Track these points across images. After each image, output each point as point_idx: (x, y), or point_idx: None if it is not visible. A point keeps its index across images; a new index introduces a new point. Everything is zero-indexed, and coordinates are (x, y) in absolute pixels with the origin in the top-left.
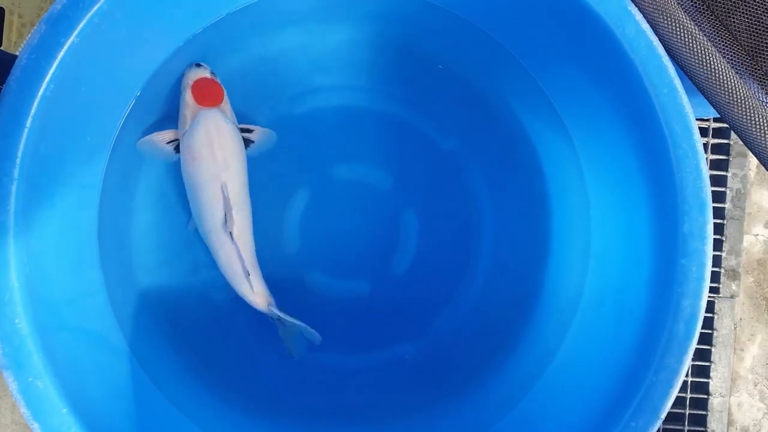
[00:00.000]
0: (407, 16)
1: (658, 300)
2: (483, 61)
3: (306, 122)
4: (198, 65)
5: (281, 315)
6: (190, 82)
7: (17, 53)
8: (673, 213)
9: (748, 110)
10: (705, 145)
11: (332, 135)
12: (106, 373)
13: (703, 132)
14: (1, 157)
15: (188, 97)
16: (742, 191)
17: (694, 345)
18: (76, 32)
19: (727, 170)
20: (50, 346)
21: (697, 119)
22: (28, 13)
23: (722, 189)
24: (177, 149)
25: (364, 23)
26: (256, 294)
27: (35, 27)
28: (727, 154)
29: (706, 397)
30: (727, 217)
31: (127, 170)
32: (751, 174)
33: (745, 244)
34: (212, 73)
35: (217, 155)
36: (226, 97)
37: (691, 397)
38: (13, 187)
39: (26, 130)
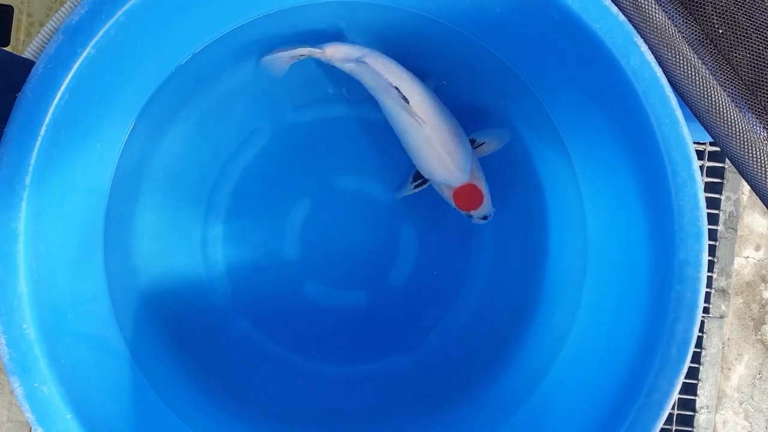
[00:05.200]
0: (414, 32)
1: (652, 323)
2: (488, 79)
3: (309, 132)
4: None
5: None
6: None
7: (25, 53)
8: (670, 240)
9: (746, 143)
10: (700, 168)
11: (335, 145)
12: (108, 378)
13: (699, 155)
14: (15, 165)
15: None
16: (735, 214)
17: (686, 368)
18: (92, 43)
19: (720, 193)
20: (55, 351)
21: (693, 143)
22: (37, 12)
23: (716, 211)
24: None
25: (371, 36)
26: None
27: (43, 32)
28: (722, 177)
29: (692, 414)
30: (719, 238)
31: (132, 176)
32: (744, 198)
33: (735, 265)
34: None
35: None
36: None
37: (678, 414)
38: (25, 194)
39: (40, 139)
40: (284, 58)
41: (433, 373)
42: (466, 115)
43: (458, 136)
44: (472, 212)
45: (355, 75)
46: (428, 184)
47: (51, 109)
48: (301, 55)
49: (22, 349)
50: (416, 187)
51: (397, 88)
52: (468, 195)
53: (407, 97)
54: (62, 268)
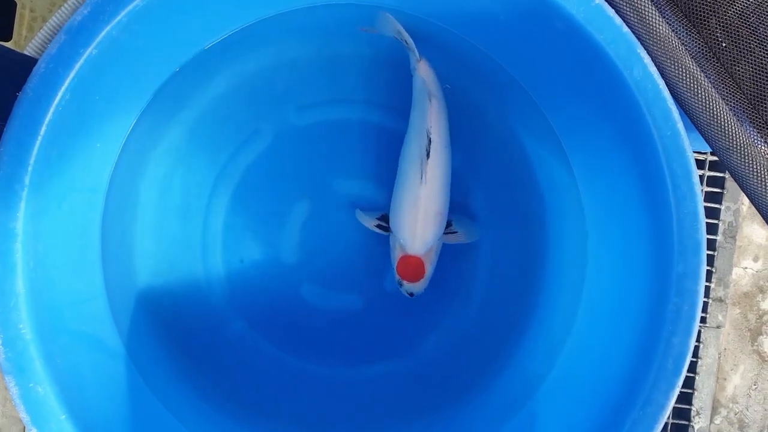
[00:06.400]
0: (418, 36)
1: (649, 335)
2: (490, 85)
3: (310, 134)
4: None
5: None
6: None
7: (27, 49)
8: (668, 252)
9: (746, 157)
10: (700, 178)
11: (335, 148)
12: (104, 378)
13: (699, 164)
14: (15, 164)
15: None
16: (734, 224)
17: (681, 381)
18: (94, 44)
19: (720, 203)
20: (51, 351)
21: (694, 152)
22: (40, 8)
23: (715, 221)
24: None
25: (375, 39)
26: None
27: (46, 28)
28: (722, 187)
29: (687, 423)
30: (717, 248)
31: (131, 176)
32: (744, 208)
33: (733, 276)
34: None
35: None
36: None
37: (672, 423)
38: (24, 194)
39: (40, 138)
40: (394, 27)
41: (430, 377)
42: (466, 120)
43: (441, 215)
44: (404, 282)
45: (414, 96)
46: (387, 233)
47: (52, 109)
48: (404, 42)
49: (17, 349)
50: (377, 226)
51: (430, 140)
52: (411, 267)
53: (431, 154)
54: (60, 268)
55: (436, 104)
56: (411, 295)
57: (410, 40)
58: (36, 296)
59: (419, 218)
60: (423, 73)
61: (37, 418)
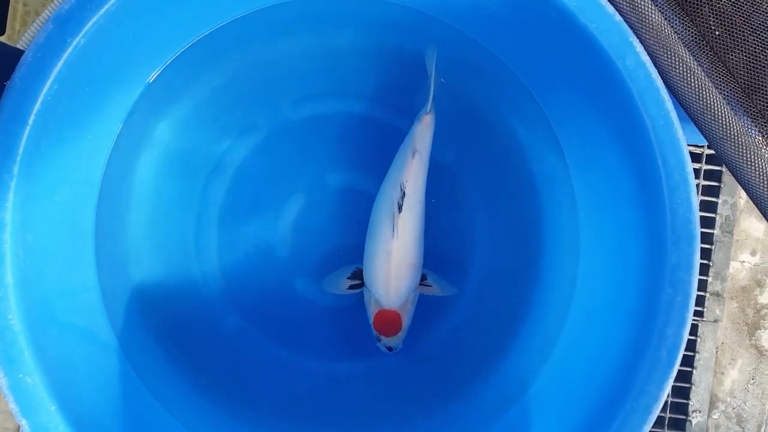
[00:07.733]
0: (412, 29)
1: (642, 327)
2: (484, 76)
3: (305, 128)
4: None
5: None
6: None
7: (19, 43)
8: (662, 243)
9: (740, 146)
10: (697, 171)
11: (330, 142)
12: (95, 370)
13: (696, 158)
14: (3, 154)
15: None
16: (732, 218)
17: (675, 373)
18: (82, 33)
19: (717, 197)
20: (41, 342)
21: (690, 145)
22: (33, 2)
23: (712, 215)
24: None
25: (369, 32)
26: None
27: (38, 22)
28: (719, 180)
29: (684, 417)
30: (715, 242)
31: (125, 168)
32: (741, 202)
33: (731, 270)
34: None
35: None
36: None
37: (670, 417)
38: (13, 184)
39: (28, 128)
40: (429, 67)
41: (425, 372)
42: (461, 113)
43: (414, 267)
44: (382, 337)
45: (405, 142)
46: (362, 289)
47: (40, 99)
48: (428, 88)
49: (6, 340)
50: (350, 287)
51: (404, 193)
52: (387, 321)
53: (403, 207)
54: (51, 259)
55: (418, 160)
56: (390, 349)
57: (432, 92)
58: (26, 287)
59: (392, 272)
60: (421, 126)
61: (26, 409)
